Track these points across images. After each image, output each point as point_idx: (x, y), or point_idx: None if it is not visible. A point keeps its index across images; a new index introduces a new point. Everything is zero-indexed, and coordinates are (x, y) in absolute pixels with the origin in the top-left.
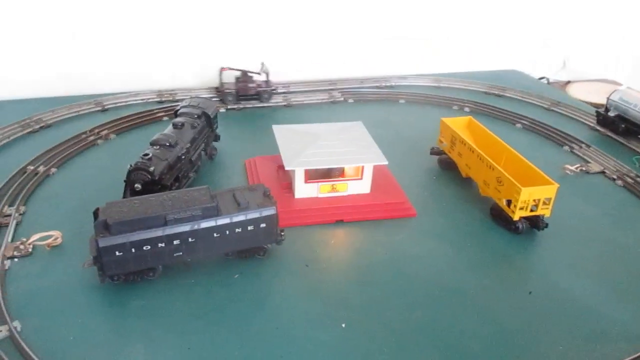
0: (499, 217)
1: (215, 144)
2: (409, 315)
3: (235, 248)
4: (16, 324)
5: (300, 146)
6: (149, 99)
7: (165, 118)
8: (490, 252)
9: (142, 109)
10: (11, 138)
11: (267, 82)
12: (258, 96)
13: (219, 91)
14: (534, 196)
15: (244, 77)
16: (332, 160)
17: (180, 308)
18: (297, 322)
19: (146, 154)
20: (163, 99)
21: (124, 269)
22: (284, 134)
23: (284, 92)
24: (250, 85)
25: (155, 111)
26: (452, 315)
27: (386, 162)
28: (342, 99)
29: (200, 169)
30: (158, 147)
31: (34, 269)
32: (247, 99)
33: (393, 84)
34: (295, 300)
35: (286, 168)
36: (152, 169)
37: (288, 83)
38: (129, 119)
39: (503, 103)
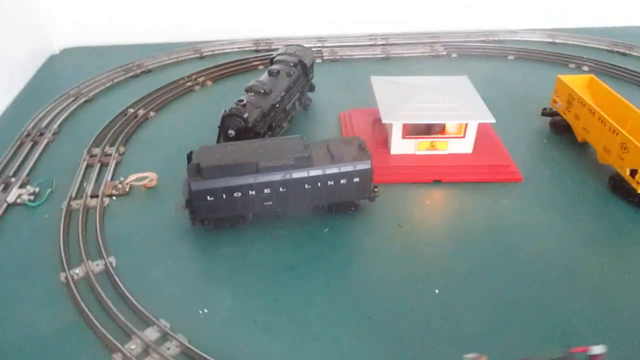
0: (620, 188)
1: (310, 94)
2: (509, 288)
3: (327, 201)
4: (112, 259)
5: (399, 99)
6: (245, 47)
7: (261, 67)
8: (608, 227)
9: (238, 57)
10: (114, 81)
11: None
12: None
13: None
14: None
15: None
16: (433, 116)
17: (269, 258)
18: (387, 284)
19: (240, 100)
20: (260, 48)
21: (215, 215)
22: (382, 85)
23: (382, 44)
24: None
25: (251, 60)
26: (561, 295)
27: (493, 120)
28: (444, 52)
29: (294, 118)
30: (253, 94)
31: (130, 208)
32: None
33: (502, 38)
34: (386, 261)
35: (383, 121)
36: (246, 115)
37: (387, 35)
38: (226, 66)
39: (630, 63)
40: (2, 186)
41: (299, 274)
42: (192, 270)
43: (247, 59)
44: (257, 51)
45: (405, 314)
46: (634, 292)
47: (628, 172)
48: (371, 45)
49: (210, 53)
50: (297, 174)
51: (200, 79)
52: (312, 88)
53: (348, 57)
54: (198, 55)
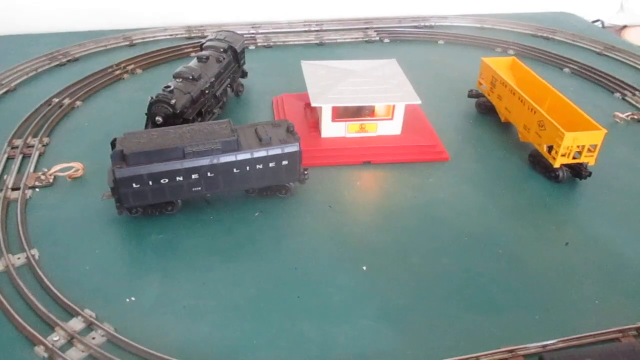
0: (538, 164)
1: (242, 80)
2: (433, 261)
3: (256, 185)
4: (34, 252)
5: (329, 83)
6: (177, 34)
7: (193, 54)
8: (527, 201)
9: (170, 44)
10: (39, 70)
11: None
12: None
13: None
14: (578, 142)
15: None
16: (362, 98)
17: (199, 244)
18: (316, 264)
19: (167, 86)
20: (192, 35)
21: (142, 202)
22: (312, 70)
23: (316, 30)
24: None
25: (183, 47)
26: (480, 264)
27: (419, 102)
28: (377, 38)
29: (225, 105)
30: (181, 80)
31: (54, 199)
32: None
33: (433, 23)
34: (316, 242)
35: (313, 104)
36: (173, 101)
37: (321, 21)
38: (157, 54)
39: (551, 46)
40: None
41: (229, 258)
42: (119, 259)
43: (178, 46)
44: (189, 38)
45: (334, 292)
46: (548, 260)
47: (545, 149)
48: (305, 31)
49: (141, 40)
50: (225, 158)
51: (130, 67)
52: (244, 74)
53: (282, 43)
54: (128, 42)
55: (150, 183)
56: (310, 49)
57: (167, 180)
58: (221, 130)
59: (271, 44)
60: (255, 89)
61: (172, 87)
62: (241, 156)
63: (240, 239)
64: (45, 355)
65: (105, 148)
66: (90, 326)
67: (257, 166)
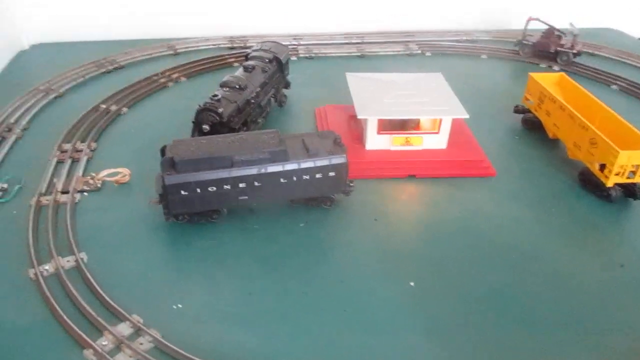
0: (589, 182)
1: (285, 91)
2: (481, 279)
3: (302, 196)
4: (83, 255)
5: (374, 95)
6: (220, 44)
7: (236, 64)
8: (576, 220)
9: (212, 54)
10: (86, 77)
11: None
12: (555, 55)
13: (519, 42)
14: (633, 161)
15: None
16: (408, 111)
17: (243, 252)
18: (362, 277)
19: (215, 95)
20: (234, 45)
21: (189, 209)
22: (358, 81)
23: (357, 42)
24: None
25: (225, 56)
26: (529, 283)
27: (466, 116)
28: (419, 51)
29: (269, 115)
30: (228, 89)
31: (101, 203)
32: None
33: (475, 38)
34: (361, 254)
35: (358, 117)
36: (220, 110)
37: (362, 33)
38: (200, 63)
39: (597, 62)
40: None
41: (274, 268)
42: (165, 265)
43: (221, 55)
44: (231, 48)
45: (381, 307)
46: (601, 281)
47: (597, 167)
48: (346, 43)
49: (184, 50)
50: (272, 168)
51: (174, 75)
52: (287, 85)
53: (323, 54)
54: (172, 51)
55: (198, 190)
56: (352, 60)
57: (214, 188)
58: (269, 140)
59: (312, 55)
60: (297, 100)
61: (219, 96)
62: (289, 166)
63: (285, 249)
64: (94, 359)
65: (151, 155)
66: (138, 331)
67: (304, 177)
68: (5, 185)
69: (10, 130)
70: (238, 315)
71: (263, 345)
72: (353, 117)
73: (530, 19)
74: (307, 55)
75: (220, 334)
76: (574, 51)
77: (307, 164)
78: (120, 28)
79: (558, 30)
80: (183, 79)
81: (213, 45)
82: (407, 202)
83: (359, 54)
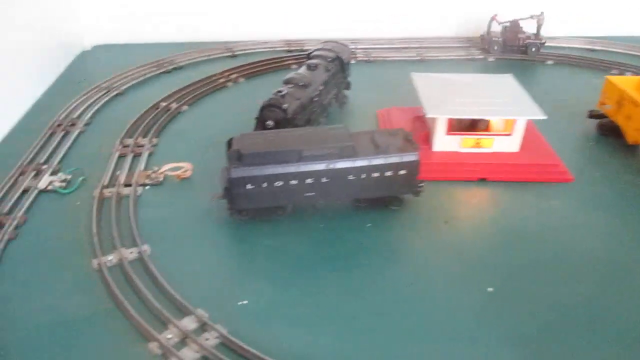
0: None
1: (346, 92)
2: (567, 289)
3: (370, 195)
4: (146, 247)
5: (443, 94)
6: (277, 47)
7: (294, 65)
8: None
9: (270, 56)
10: (146, 76)
11: (536, 35)
12: (524, 49)
13: (483, 39)
14: None
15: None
16: (479, 111)
17: (309, 251)
18: (435, 281)
19: (280, 91)
20: (291, 48)
21: (254, 204)
22: (425, 81)
23: (416, 47)
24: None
25: (284, 58)
26: (621, 297)
27: (544, 117)
28: (481, 56)
29: (329, 115)
30: (292, 85)
31: (163, 197)
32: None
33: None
34: (432, 258)
35: (428, 116)
36: (285, 106)
37: (421, 38)
38: (258, 64)
39: None
40: (34, 173)
41: (341, 268)
42: (229, 261)
43: (279, 57)
44: (288, 51)
45: (458, 312)
46: None
47: None
48: (405, 47)
49: (242, 52)
50: (342, 164)
51: (233, 76)
52: (348, 86)
53: (382, 58)
54: (230, 53)
55: (264, 185)
56: (411, 64)
57: (281, 183)
58: (338, 135)
59: (371, 59)
60: (357, 102)
61: (284, 92)
62: (358, 163)
63: (353, 250)
64: (159, 352)
65: (211, 152)
66: (203, 326)
67: (373, 174)
68: (69, 177)
69: (73, 124)
70: (305, 315)
71: (332, 347)
72: (418, 119)
73: (494, 18)
74: (365, 59)
75: (287, 333)
76: (542, 41)
77: (378, 161)
78: (178, 31)
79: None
80: (242, 79)
81: (270, 48)
82: (479, 206)
83: (418, 58)
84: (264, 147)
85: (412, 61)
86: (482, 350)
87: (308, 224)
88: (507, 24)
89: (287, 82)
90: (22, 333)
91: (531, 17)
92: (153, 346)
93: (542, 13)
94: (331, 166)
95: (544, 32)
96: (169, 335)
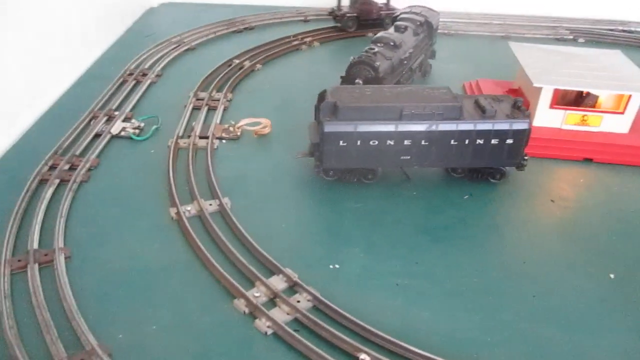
0: None
1: (430, 61)
2: None
3: (471, 164)
4: (226, 200)
5: (548, 65)
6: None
7: (370, 34)
8: None
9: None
10: (217, 34)
11: (387, 4)
12: (380, 21)
13: (336, 15)
14: None
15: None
16: (590, 84)
17: (403, 219)
18: (547, 261)
19: (371, 49)
20: None
21: (344, 164)
22: (526, 51)
23: (499, 23)
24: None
25: None
26: None
27: None
28: (570, 37)
29: (413, 83)
30: (382, 45)
31: (241, 152)
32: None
33: (632, 28)
34: (542, 237)
35: (534, 84)
36: (377, 64)
37: (504, 15)
38: (331, 30)
39: None
40: (105, 118)
41: (440, 239)
42: (315, 222)
43: None
44: None
45: (578, 298)
46: None
47: None
48: (487, 23)
49: (315, 18)
50: (445, 126)
51: (308, 39)
52: (433, 54)
53: (463, 32)
54: (302, 18)
55: (358, 143)
56: (495, 41)
57: (376, 143)
58: (441, 95)
59: (452, 32)
60: (439, 72)
61: (376, 50)
62: (463, 126)
63: (452, 221)
64: (246, 310)
65: (285, 111)
66: (292, 287)
67: (478, 141)
68: (142, 125)
69: (145, 75)
70: (404, 284)
71: (440, 322)
72: (512, 91)
73: None
74: (445, 31)
75: (387, 302)
76: (396, 13)
77: (484, 126)
78: None
79: None
80: (316, 43)
81: None
82: (587, 188)
83: (502, 34)
84: (362, 102)
85: (495, 37)
86: (609, 340)
87: (399, 191)
88: None
89: (376, 41)
90: (99, 278)
91: None
92: (239, 303)
93: None
94: (433, 128)
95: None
96: (257, 294)
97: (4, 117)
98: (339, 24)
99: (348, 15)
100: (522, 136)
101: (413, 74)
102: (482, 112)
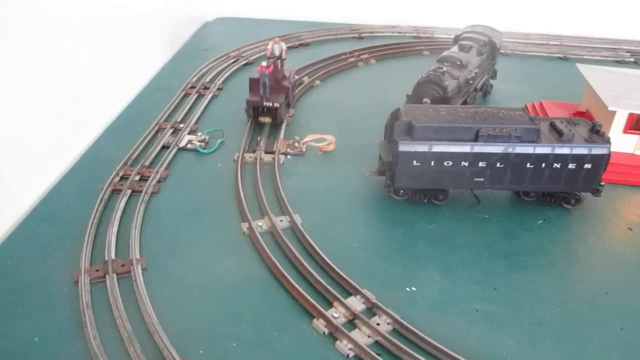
0: None
1: (490, 81)
2: None
3: (545, 188)
4: (297, 217)
5: (621, 88)
6: (405, 33)
7: (426, 52)
8: None
9: (397, 41)
10: None
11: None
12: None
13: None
14: None
15: None
16: None
17: (477, 242)
18: (633, 294)
19: (440, 67)
20: (420, 35)
21: (416, 184)
22: (596, 74)
23: (557, 44)
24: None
25: (414, 43)
26: None
27: None
28: (631, 59)
29: (475, 102)
30: (448, 64)
31: (306, 168)
32: None
33: None
34: (623, 267)
35: (609, 108)
36: (446, 83)
37: (561, 36)
38: (388, 47)
39: None
40: (171, 130)
41: (518, 265)
42: (388, 242)
43: (409, 42)
44: (417, 37)
45: None
46: None
47: None
48: (544, 44)
49: (369, 35)
50: (521, 149)
51: (364, 56)
52: (494, 74)
53: (520, 52)
54: (356, 35)
55: (432, 164)
56: (552, 62)
57: (450, 164)
58: (518, 117)
59: (509, 52)
60: (499, 92)
61: (444, 69)
62: (540, 149)
63: (528, 246)
64: (326, 330)
65: (348, 128)
66: (370, 309)
67: (555, 165)
68: (207, 137)
69: (206, 88)
70: (484, 311)
71: (526, 352)
72: (579, 114)
73: None
74: (502, 51)
75: (468, 328)
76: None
77: (562, 150)
78: (296, 9)
79: None
80: (372, 60)
81: (398, 33)
82: None
83: (560, 55)
84: (438, 121)
85: (553, 58)
86: None
87: (469, 214)
88: None
89: (442, 60)
90: (175, 291)
91: None
92: (319, 323)
93: None
94: (510, 150)
95: None
96: (336, 314)
97: (77, 125)
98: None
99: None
100: (601, 161)
101: (476, 95)
102: (559, 135)
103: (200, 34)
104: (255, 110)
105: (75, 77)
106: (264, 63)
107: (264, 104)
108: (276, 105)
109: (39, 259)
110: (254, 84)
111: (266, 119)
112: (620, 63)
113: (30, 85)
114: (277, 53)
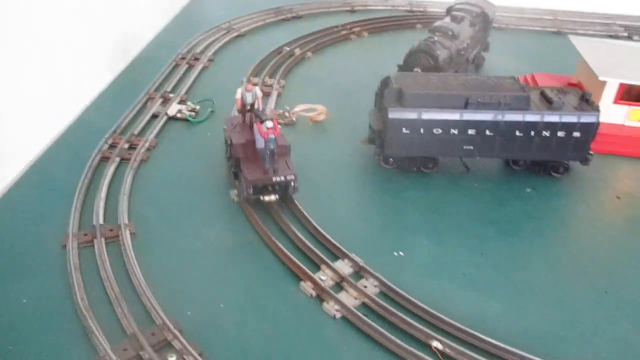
0: None
1: (482, 53)
2: None
3: (534, 156)
4: None
5: (613, 59)
6: (398, 6)
7: (419, 25)
8: None
9: (389, 14)
10: (266, 22)
11: None
12: None
13: None
14: None
15: None
16: None
17: (467, 210)
18: (621, 259)
19: (431, 37)
20: (413, 9)
21: (406, 152)
22: (589, 45)
23: (550, 19)
24: None
25: (408, 17)
26: None
27: None
28: (625, 34)
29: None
30: (440, 34)
31: (297, 138)
32: None
33: None
34: (611, 234)
35: (599, 78)
36: (437, 53)
37: (554, 10)
38: (380, 21)
39: None
40: (161, 100)
41: (506, 232)
42: (377, 209)
43: (402, 16)
44: (410, 11)
45: None
46: None
47: None
48: (538, 18)
49: (362, 8)
50: (511, 116)
51: (356, 29)
52: (487, 47)
53: (514, 26)
54: (349, 8)
55: (422, 131)
56: (546, 36)
57: (439, 131)
58: (508, 85)
59: (503, 26)
60: (491, 65)
61: (435, 39)
62: (529, 117)
63: (517, 214)
64: (313, 293)
65: (339, 99)
66: (358, 272)
67: (544, 133)
68: (197, 107)
69: (197, 59)
70: (472, 275)
71: (513, 315)
72: (572, 86)
73: None
74: (496, 25)
75: (456, 292)
76: None
77: (551, 118)
78: None
79: None
80: (365, 33)
81: (391, 6)
82: None
83: (554, 29)
84: (428, 89)
85: (546, 32)
86: None
87: (459, 182)
88: None
89: (434, 30)
90: (164, 255)
91: None
92: (306, 286)
93: None
94: (499, 117)
95: None
96: (323, 277)
97: (67, 94)
98: None
99: None
100: (590, 129)
101: (468, 66)
102: (548, 103)
103: (191, 6)
104: (255, 189)
105: (64, 47)
106: (269, 124)
107: (273, 179)
108: (290, 177)
109: (29, 225)
110: (246, 151)
111: (272, 197)
112: (613, 37)
113: (19, 53)
114: (249, 101)
